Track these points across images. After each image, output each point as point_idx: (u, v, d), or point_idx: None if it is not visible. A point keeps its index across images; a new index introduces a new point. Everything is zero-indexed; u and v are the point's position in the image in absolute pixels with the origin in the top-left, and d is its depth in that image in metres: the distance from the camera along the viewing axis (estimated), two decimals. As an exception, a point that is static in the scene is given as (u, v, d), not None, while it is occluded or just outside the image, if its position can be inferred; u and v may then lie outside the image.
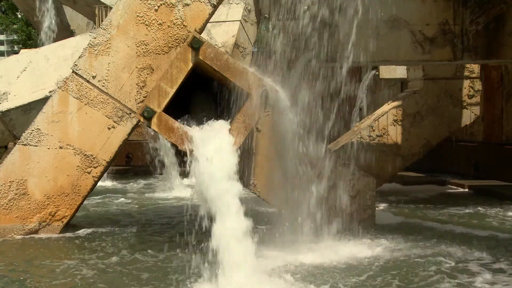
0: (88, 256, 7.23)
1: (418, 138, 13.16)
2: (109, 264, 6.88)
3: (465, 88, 13.50)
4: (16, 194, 8.36)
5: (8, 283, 6.15)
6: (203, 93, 8.12)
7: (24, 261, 7.02)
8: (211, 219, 6.18)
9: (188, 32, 8.22)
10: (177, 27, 8.30)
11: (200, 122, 7.13)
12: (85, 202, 9.15)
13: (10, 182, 8.37)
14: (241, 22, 16.25)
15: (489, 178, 14.42)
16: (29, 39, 40.79)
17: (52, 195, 8.42)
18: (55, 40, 16.87)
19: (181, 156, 7.02)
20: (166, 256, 7.18)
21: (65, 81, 8.55)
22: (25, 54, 14.41)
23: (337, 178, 8.55)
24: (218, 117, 7.18)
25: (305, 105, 8.12)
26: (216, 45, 14.32)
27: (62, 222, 8.47)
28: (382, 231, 8.49)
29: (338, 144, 12.71)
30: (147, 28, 8.31)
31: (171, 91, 7.28)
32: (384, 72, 16.04)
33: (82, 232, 8.56)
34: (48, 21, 17.83)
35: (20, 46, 42.44)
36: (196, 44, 7.31)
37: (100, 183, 10.40)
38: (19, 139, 8.60)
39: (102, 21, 12.16)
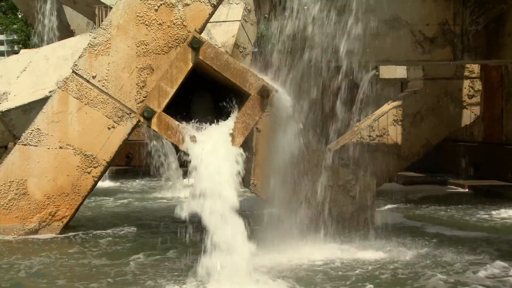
0: (88, 256, 7.23)
1: (418, 138, 13.16)
2: (109, 263, 6.87)
3: (465, 88, 13.50)
4: (16, 194, 8.37)
5: (5, 282, 6.15)
6: (203, 93, 8.11)
7: (22, 260, 7.02)
8: (211, 219, 6.18)
9: (188, 32, 8.22)
10: (177, 27, 8.30)
11: (200, 122, 7.12)
12: (85, 202, 9.15)
13: (10, 182, 8.37)
14: (241, 22, 16.22)
15: (489, 178, 14.42)
16: (29, 39, 40.74)
17: (52, 195, 8.42)
18: (56, 40, 16.87)
19: (181, 156, 7.01)
20: (165, 256, 7.18)
21: (65, 81, 8.55)
22: (25, 54, 14.40)
23: (337, 178, 8.55)
24: (218, 117, 7.17)
25: (305, 104, 8.12)
26: (216, 45, 14.31)
27: (62, 222, 8.47)
28: (382, 231, 8.48)
29: (338, 144, 12.71)
30: (147, 28, 8.31)
31: (171, 91, 7.28)
32: (384, 72, 16.04)
33: (82, 232, 8.55)
34: (48, 21, 17.81)
35: (20, 46, 42.39)
36: (196, 44, 7.31)
37: (100, 183, 10.40)
38: (19, 139, 8.60)
39: (102, 21, 12.15)
